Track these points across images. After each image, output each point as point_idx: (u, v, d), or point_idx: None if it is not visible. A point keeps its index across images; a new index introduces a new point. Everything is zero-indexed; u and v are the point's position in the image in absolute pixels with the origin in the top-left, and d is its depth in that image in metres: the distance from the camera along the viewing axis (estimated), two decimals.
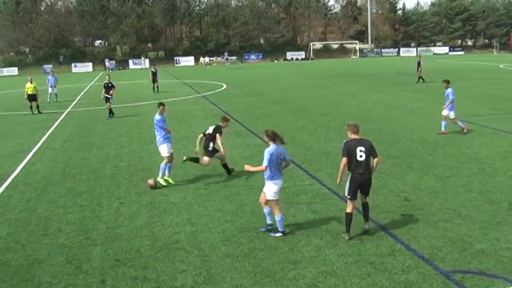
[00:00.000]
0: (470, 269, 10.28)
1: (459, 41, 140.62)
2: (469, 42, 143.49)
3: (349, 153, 11.83)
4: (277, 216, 12.25)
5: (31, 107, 37.66)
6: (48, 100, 44.79)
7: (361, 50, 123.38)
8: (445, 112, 23.91)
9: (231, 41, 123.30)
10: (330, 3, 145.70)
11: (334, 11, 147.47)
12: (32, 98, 37.84)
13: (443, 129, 23.84)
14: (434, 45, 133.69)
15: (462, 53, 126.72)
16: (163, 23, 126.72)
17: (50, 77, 46.87)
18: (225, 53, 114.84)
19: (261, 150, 21.94)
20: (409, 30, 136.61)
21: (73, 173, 19.42)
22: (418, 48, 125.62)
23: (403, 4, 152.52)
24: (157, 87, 49.50)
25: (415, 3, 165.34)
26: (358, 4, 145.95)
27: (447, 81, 24.43)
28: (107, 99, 33.57)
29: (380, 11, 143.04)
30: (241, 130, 26.96)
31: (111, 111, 33.19)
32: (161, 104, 17.60)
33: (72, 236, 12.89)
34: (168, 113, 16.78)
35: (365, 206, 12.39)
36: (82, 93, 52.10)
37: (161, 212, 14.51)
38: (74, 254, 11.79)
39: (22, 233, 13.27)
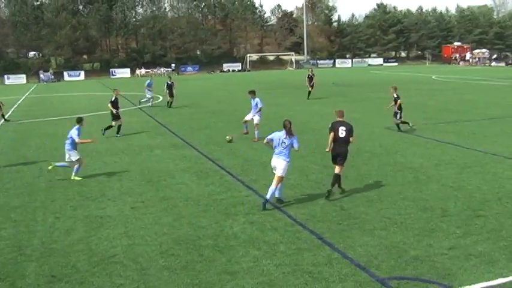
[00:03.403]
0: (406, 275, 10.48)
1: (393, 53, 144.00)
2: (403, 54, 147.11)
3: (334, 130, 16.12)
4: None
5: None
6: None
7: (297, 62, 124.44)
8: (248, 117, 27.23)
9: (167, 52, 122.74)
10: (266, 15, 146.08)
11: (270, 22, 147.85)
12: None
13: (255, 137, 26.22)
14: (369, 57, 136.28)
15: (396, 64, 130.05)
16: (99, 35, 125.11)
17: (149, 81, 46.32)
18: (172, 65, 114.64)
19: (197, 162, 22.00)
20: (344, 41, 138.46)
21: (6, 187, 18.90)
22: (353, 60, 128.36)
23: (339, 16, 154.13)
24: (171, 102, 44.22)
25: (350, 16, 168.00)
26: (294, 16, 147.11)
27: (253, 92, 27.22)
28: (115, 117, 29.50)
29: (316, 23, 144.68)
30: (178, 142, 26.83)
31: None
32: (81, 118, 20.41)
33: (6, 253, 12.56)
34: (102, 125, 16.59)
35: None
36: (15, 106, 50.90)
37: (98, 225, 14.27)
38: (8, 271, 11.49)
39: None
